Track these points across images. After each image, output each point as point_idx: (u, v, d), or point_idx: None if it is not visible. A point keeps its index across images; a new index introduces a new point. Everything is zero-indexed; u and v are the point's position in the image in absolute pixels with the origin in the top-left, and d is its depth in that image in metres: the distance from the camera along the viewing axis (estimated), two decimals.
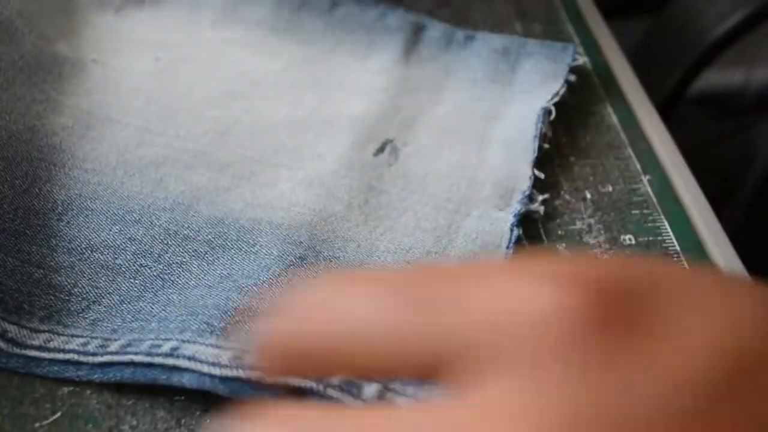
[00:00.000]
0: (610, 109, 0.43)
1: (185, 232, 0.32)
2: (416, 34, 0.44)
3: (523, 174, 0.37)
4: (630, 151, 0.41)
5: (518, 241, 0.34)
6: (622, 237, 0.36)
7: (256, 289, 0.30)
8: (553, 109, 0.39)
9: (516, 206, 0.35)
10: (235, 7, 0.44)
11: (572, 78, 0.42)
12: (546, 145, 0.39)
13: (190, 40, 0.42)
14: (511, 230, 0.34)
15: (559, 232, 0.36)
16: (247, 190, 0.35)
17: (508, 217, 0.35)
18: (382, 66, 0.42)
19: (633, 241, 0.36)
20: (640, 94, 0.45)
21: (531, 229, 0.36)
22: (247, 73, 0.41)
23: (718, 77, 0.60)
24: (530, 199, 0.36)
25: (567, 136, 0.41)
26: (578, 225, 0.36)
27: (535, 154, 0.37)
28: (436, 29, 0.44)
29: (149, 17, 0.43)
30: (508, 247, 0.33)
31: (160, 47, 0.41)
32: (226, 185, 0.35)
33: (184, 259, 0.31)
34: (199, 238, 0.32)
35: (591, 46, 0.47)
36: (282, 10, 0.44)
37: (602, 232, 0.36)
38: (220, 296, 0.30)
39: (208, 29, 0.43)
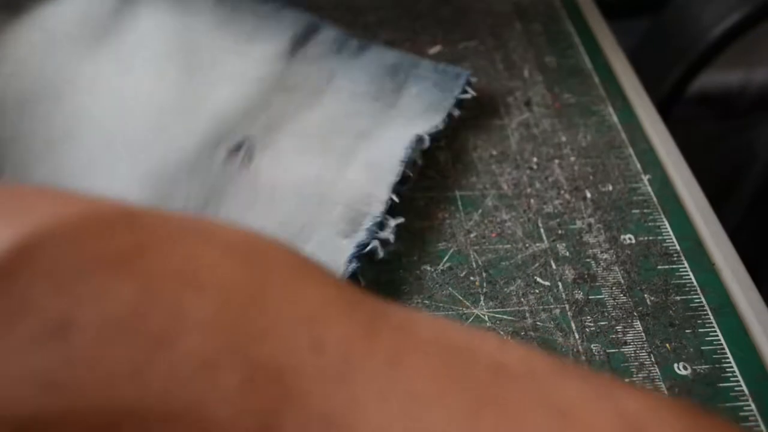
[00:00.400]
0: (610, 109, 0.43)
1: None
2: (308, 32, 0.42)
3: (379, 198, 0.34)
4: (630, 150, 0.41)
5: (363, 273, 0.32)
6: (622, 236, 0.36)
7: None
8: (427, 138, 0.37)
9: (361, 234, 0.32)
10: None
11: (456, 113, 0.39)
12: (411, 174, 0.36)
13: (88, 14, 0.40)
14: (349, 262, 0.31)
15: (559, 231, 0.36)
16: (85, 182, 0.32)
17: (349, 248, 0.32)
18: (264, 55, 0.40)
19: (633, 240, 0.36)
20: (640, 94, 0.45)
21: (531, 229, 0.36)
22: (123, 46, 0.39)
23: (718, 77, 0.60)
24: (381, 226, 0.33)
25: (567, 135, 0.41)
26: (578, 224, 0.36)
27: (397, 179, 0.35)
28: (329, 33, 0.42)
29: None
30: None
31: (44, 25, 0.39)
32: (67, 177, 0.32)
33: None
34: None
35: (591, 46, 0.47)
36: None
37: (602, 231, 0.36)
38: None
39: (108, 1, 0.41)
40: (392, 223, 0.33)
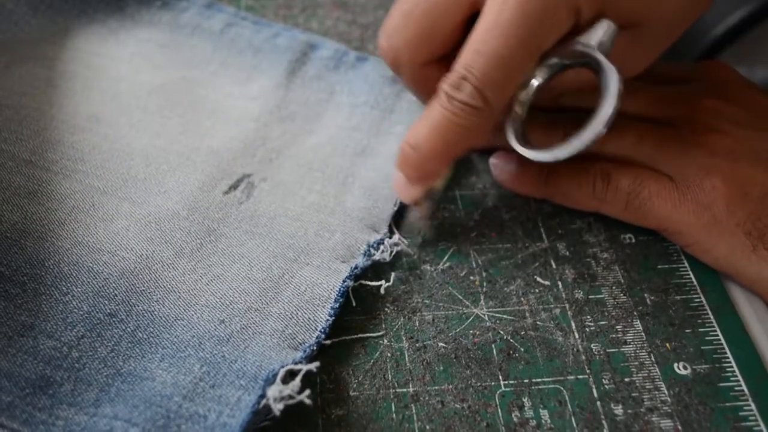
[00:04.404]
0: None
1: (1, 269, 0.30)
2: (305, 53, 0.42)
3: (378, 227, 0.35)
4: None
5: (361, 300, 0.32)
6: (622, 236, 0.36)
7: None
8: None
9: (360, 259, 0.33)
10: (132, 25, 0.43)
11: None
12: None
13: (78, 56, 0.41)
14: (343, 282, 0.32)
15: (559, 231, 0.36)
16: (81, 224, 0.32)
17: (345, 270, 0.32)
18: (260, 91, 0.40)
19: (633, 240, 0.36)
20: None
21: (531, 228, 0.36)
22: (119, 96, 0.39)
23: None
24: (377, 247, 0.33)
25: None
26: (578, 224, 0.36)
27: (395, 208, 0.35)
28: (327, 49, 0.43)
29: (42, 28, 0.41)
30: (335, 302, 0.31)
31: (47, 61, 0.40)
32: (62, 218, 0.33)
33: None
34: (14, 278, 0.30)
35: None
36: (175, 33, 0.43)
37: (602, 230, 0.36)
38: (15, 358, 0.28)
39: (97, 44, 0.42)
40: (388, 243, 0.34)
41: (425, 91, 0.33)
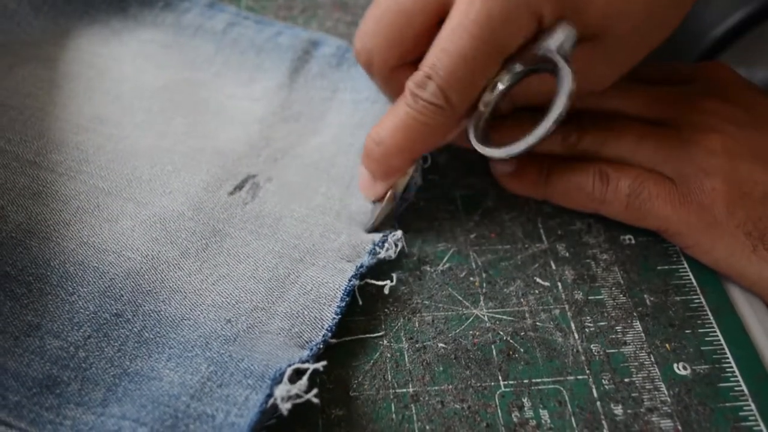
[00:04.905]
0: None
1: (6, 269, 0.30)
2: (308, 51, 0.42)
3: (383, 230, 0.35)
4: None
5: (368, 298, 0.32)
6: (621, 237, 0.36)
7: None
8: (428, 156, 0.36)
9: (365, 258, 0.33)
10: (135, 26, 0.43)
11: None
12: (419, 202, 0.37)
13: (81, 57, 0.41)
14: (349, 281, 0.32)
15: (559, 232, 0.36)
16: (86, 225, 0.32)
17: (351, 269, 0.32)
18: (264, 92, 0.40)
19: (633, 241, 0.36)
20: None
21: (530, 229, 0.36)
22: (123, 96, 0.39)
23: None
24: (382, 245, 0.33)
25: None
26: (578, 225, 0.36)
27: (401, 209, 0.36)
28: (329, 45, 0.43)
29: (45, 29, 0.41)
30: (341, 301, 0.31)
31: (49, 62, 0.40)
32: (67, 219, 0.33)
33: None
34: (19, 278, 0.30)
35: None
36: (178, 33, 0.43)
37: (602, 231, 0.36)
38: (22, 358, 0.28)
39: (100, 45, 0.42)
40: (392, 240, 0.33)
41: (397, 94, 0.34)
